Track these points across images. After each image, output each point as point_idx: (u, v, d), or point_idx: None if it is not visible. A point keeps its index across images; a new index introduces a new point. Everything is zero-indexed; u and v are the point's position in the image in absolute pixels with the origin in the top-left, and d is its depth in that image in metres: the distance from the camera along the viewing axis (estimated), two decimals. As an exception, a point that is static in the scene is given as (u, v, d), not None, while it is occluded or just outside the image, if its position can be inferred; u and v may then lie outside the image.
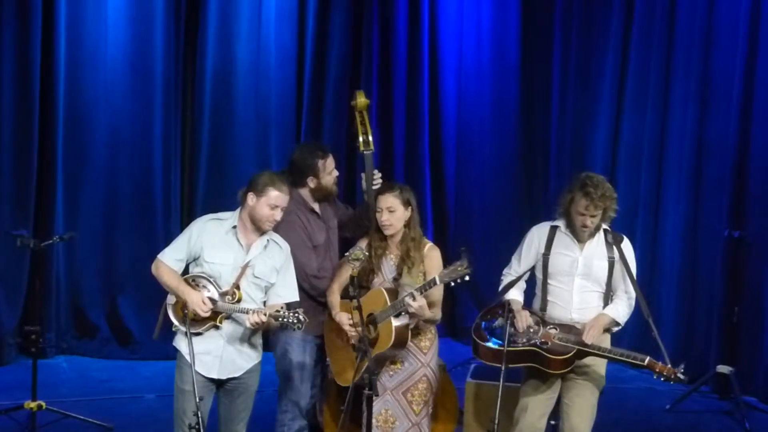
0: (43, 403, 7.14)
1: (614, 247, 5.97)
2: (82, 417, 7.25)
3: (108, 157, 9.13)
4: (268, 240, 5.66)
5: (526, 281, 6.20)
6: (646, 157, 9.42)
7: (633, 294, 5.97)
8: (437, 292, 5.88)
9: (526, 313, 5.98)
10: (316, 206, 6.33)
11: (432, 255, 6.05)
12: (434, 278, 5.68)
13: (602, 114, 9.71)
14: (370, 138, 6.50)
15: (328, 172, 6.30)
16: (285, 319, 5.36)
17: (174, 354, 5.72)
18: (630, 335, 8.50)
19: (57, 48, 8.86)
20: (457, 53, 10.05)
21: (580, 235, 5.95)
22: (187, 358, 5.45)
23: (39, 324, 7.62)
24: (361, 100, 6.55)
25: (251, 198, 5.58)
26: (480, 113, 10.11)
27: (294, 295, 5.73)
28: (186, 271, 5.69)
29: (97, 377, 8.62)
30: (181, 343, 5.62)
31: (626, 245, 6.03)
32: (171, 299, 5.64)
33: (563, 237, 6.01)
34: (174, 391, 5.65)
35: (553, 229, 6.04)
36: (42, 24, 8.76)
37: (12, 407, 7.27)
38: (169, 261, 5.60)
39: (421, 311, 5.77)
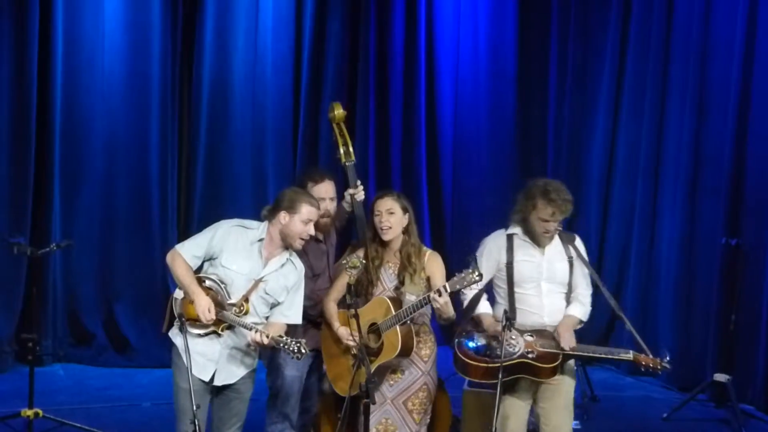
0: (40, 411, 7.12)
1: (570, 246, 6.01)
2: (78, 425, 7.23)
3: (105, 164, 9.13)
4: (287, 259, 5.66)
5: (486, 292, 6.16)
6: (643, 166, 9.43)
7: (590, 290, 6.02)
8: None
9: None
10: (319, 233, 6.28)
11: (434, 261, 6.06)
12: (444, 285, 5.69)
13: (599, 123, 9.74)
14: (351, 149, 6.49)
15: (316, 197, 6.05)
16: (287, 347, 5.36)
17: (169, 361, 5.71)
18: (628, 338, 8.54)
19: (54, 55, 8.86)
20: (453, 62, 10.07)
21: (540, 241, 5.96)
22: (183, 354, 5.47)
23: (36, 332, 7.60)
24: (339, 111, 6.54)
25: (284, 216, 5.57)
26: (477, 121, 10.13)
27: (298, 318, 5.73)
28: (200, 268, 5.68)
29: (93, 385, 8.61)
30: (176, 338, 5.61)
31: (579, 242, 6.08)
32: (179, 294, 5.63)
33: (523, 244, 6.00)
34: (173, 388, 5.65)
35: (510, 238, 6.03)
36: (39, 31, 8.76)
37: (9, 415, 7.24)
38: (187, 256, 5.58)
39: (446, 307, 5.77)
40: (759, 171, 8.50)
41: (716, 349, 8.59)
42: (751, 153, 8.58)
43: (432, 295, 5.71)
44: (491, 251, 6.03)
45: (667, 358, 5.71)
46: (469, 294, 6.01)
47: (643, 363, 5.73)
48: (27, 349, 7.38)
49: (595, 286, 6.08)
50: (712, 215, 8.82)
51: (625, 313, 6.03)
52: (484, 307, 6.05)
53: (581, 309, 6.01)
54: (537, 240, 5.96)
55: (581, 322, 6.02)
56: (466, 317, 6.09)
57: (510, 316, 5.95)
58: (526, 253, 5.99)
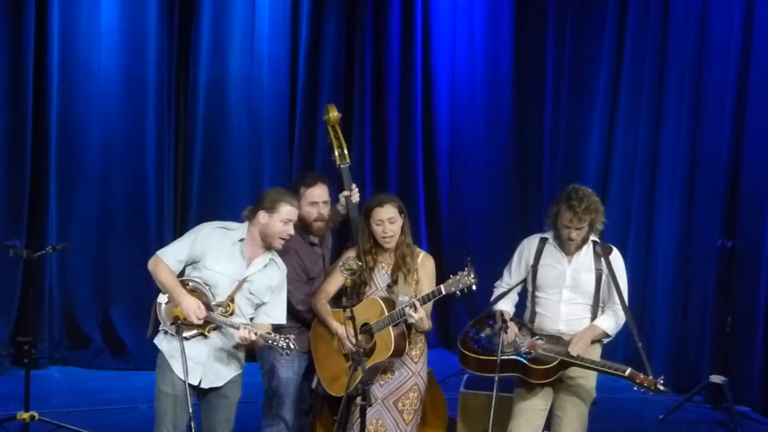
0: (36, 414, 7.13)
1: (602, 259, 5.97)
2: (74, 428, 7.24)
3: (101, 166, 9.12)
4: (270, 259, 5.68)
5: (519, 293, 6.21)
6: (639, 167, 9.43)
7: (625, 304, 5.97)
8: (429, 303, 5.88)
9: (512, 323, 5.99)
10: (314, 237, 6.27)
11: (426, 264, 6.07)
12: (439, 287, 5.70)
13: (595, 124, 9.73)
14: (346, 151, 6.50)
15: (309, 201, 6.13)
16: (275, 343, 5.38)
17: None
18: (623, 347, 8.55)
19: (50, 57, 8.85)
20: (450, 63, 10.07)
21: (567, 248, 5.97)
22: (169, 359, 5.53)
23: (32, 334, 7.62)
24: (334, 114, 6.56)
25: (263, 216, 5.59)
26: (473, 123, 10.12)
27: (282, 318, 5.77)
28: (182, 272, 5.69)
29: (89, 388, 8.60)
30: (162, 342, 5.63)
31: (615, 257, 6.02)
32: (162, 298, 5.63)
33: (552, 249, 6.02)
34: (155, 390, 5.66)
35: (543, 241, 6.06)
36: (35, 33, 8.75)
37: (5, 418, 7.24)
38: (169, 260, 5.59)
39: (421, 322, 5.79)
40: (755, 173, 8.51)
41: (712, 350, 8.59)
42: (747, 155, 8.59)
43: (407, 310, 5.73)
44: (522, 253, 6.10)
45: (662, 380, 5.70)
46: (497, 291, 6.09)
47: (638, 381, 5.70)
48: (23, 352, 7.38)
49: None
50: (708, 217, 8.82)
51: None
52: (502, 305, 6.08)
53: (608, 322, 5.97)
54: (564, 246, 5.97)
55: (607, 335, 6.00)
56: (486, 312, 6.14)
57: (530, 318, 6.06)
58: (552, 259, 6.01)
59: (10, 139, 8.78)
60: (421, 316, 5.74)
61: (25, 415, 7.09)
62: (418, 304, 5.72)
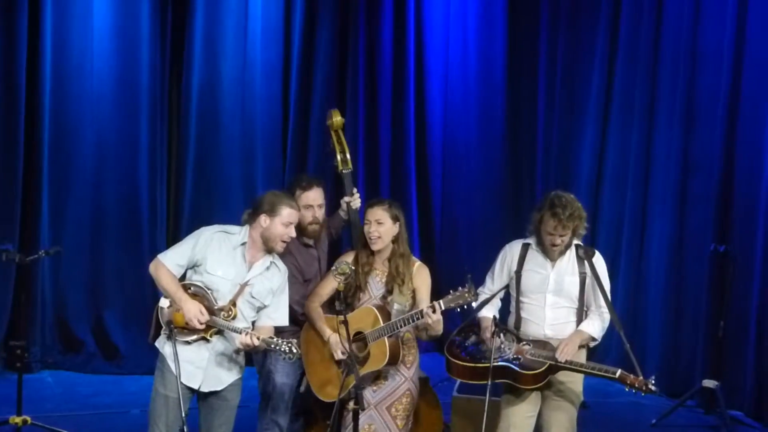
0: (29, 418, 7.12)
1: (585, 262, 5.99)
2: (67, 432, 7.24)
3: (94, 171, 9.11)
4: (270, 262, 5.68)
5: (502, 299, 6.21)
6: (632, 172, 9.45)
7: (606, 308, 5.99)
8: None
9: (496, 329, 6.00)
10: (309, 239, 6.27)
11: (421, 273, 6.05)
12: (439, 302, 5.68)
13: (588, 129, 9.75)
14: (348, 156, 6.50)
15: (304, 204, 6.12)
16: (278, 347, 5.38)
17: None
18: (615, 349, 8.56)
19: (43, 61, 8.83)
20: (443, 69, 10.09)
21: (550, 254, 5.97)
22: (170, 362, 5.50)
23: (24, 339, 7.59)
24: (337, 119, 6.56)
25: (264, 219, 5.59)
26: (466, 129, 10.14)
27: (285, 320, 5.76)
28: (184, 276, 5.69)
29: (82, 392, 8.58)
30: (165, 346, 5.62)
31: (598, 259, 6.03)
32: (164, 302, 5.63)
33: (535, 254, 6.03)
34: (152, 391, 5.65)
35: (525, 247, 6.06)
36: (28, 37, 8.74)
37: (-3, 422, 7.25)
38: (170, 264, 5.60)
39: (438, 325, 5.78)
40: (747, 178, 8.54)
41: (705, 355, 8.60)
42: (739, 160, 8.62)
43: (425, 310, 5.71)
44: (505, 258, 6.10)
45: (653, 381, 5.72)
46: (480, 298, 6.05)
47: (629, 382, 5.72)
48: (15, 356, 7.37)
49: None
50: (700, 222, 8.85)
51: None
52: (485, 311, 6.08)
53: (594, 326, 5.98)
54: (547, 252, 5.97)
55: (593, 339, 6.02)
56: (471, 319, 6.14)
57: (515, 324, 6.05)
58: (536, 264, 6.01)
59: (2, 143, 8.75)
60: (439, 318, 5.72)
61: (18, 420, 7.07)
62: (438, 306, 5.69)
